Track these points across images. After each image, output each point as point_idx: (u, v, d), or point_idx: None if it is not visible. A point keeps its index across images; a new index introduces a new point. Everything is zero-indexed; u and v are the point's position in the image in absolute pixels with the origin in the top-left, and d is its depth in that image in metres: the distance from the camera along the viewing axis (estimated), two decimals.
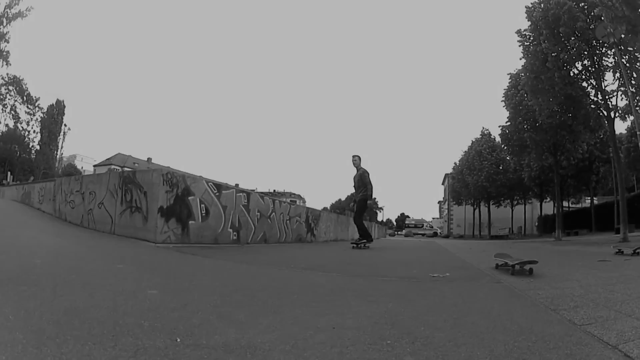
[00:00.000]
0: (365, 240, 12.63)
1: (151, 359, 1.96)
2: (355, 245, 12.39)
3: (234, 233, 10.23)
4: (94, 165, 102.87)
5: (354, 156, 13.13)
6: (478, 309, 3.60)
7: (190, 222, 8.63)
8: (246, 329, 2.56)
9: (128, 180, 9.14)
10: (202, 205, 9.00)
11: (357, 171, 13.04)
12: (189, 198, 8.67)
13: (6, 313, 2.40)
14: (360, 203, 13.07)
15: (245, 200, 10.83)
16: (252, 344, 2.27)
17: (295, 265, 6.58)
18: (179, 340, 2.25)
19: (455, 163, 64.74)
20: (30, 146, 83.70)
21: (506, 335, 2.68)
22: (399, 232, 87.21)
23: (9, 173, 67.50)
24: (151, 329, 2.40)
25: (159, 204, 8.01)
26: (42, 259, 4.73)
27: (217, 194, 9.60)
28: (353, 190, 13.75)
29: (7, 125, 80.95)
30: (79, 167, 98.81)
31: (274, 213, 12.51)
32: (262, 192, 16.13)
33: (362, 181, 12.81)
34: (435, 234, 76.12)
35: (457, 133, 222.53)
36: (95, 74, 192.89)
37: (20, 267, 3.93)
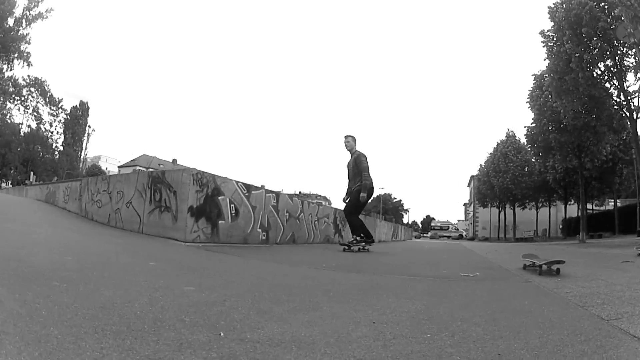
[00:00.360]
0: (363, 242, 10.47)
1: (196, 353, 1.94)
2: (347, 247, 10.22)
3: (263, 233, 10.29)
4: (119, 166, 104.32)
5: (346, 137, 10.76)
6: (510, 305, 3.68)
7: (220, 221, 8.72)
8: (288, 324, 2.58)
9: (157, 180, 9.24)
10: (232, 205, 9.09)
11: (352, 155, 10.65)
12: (219, 198, 8.77)
13: (38, 308, 2.35)
14: (356, 195, 10.30)
15: (275, 201, 10.90)
16: (296, 338, 2.30)
17: (327, 264, 6.64)
18: (222, 334, 2.25)
19: (480, 165, 63.96)
20: (53, 147, 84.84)
21: (539, 329, 2.75)
22: (425, 235, 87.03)
23: (31, 173, 68.41)
24: (192, 324, 2.40)
25: (189, 204, 8.10)
26: (73, 256, 4.65)
27: (246, 194, 9.69)
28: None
29: (29, 126, 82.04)
30: (103, 167, 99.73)
31: (302, 214, 12.51)
32: (287, 194, 16.11)
33: (358, 167, 10.35)
34: (460, 237, 75.91)
35: (482, 135, 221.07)
36: (120, 75, 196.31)
37: (50, 263, 3.87)
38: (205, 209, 8.42)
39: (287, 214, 11.50)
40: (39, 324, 2.07)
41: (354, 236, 10.51)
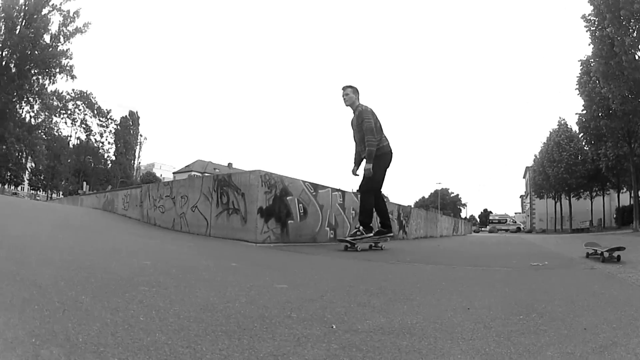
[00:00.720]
0: (379, 236, 8.38)
1: (317, 345, 1.96)
2: (349, 245, 7.83)
3: (331, 231, 10.35)
4: (174, 173, 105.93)
5: (344, 88, 8.40)
6: (583, 289, 3.93)
7: (289, 221, 8.89)
8: (391, 314, 2.67)
9: (223, 183, 9.44)
10: (300, 205, 9.24)
11: (354, 112, 8.41)
12: (287, 198, 8.92)
13: (134, 314, 2.27)
14: (370, 153, 8.04)
15: (341, 199, 10.96)
16: (404, 326, 2.39)
17: (401, 259, 6.78)
18: (334, 327, 2.29)
19: (535, 155, 63.48)
20: (105, 157, 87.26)
21: (612, 307, 3.02)
22: (483, 229, 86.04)
23: (84, 183, 70.40)
24: (300, 319, 2.42)
25: (258, 205, 8.28)
26: (151, 260, 4.63)
27: (314, 193, 9.84)
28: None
29: (78, 138, 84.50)
30: (157, 174, 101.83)
31: None
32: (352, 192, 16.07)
33: (362, 126, 8.16)
34: (518, 229, 74.58)
35: (536, 124, 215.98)
36: (168, 83, 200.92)
37: (130, 269, 3.80)
38: (274, 209, 8.58)
39: (354, 212, 11.40)
40: (142, 331, 2.00)
41: (358, 227, 8.26)
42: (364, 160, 8.22)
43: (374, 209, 8.36)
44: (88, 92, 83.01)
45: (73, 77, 59.59)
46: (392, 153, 8.47)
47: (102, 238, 7.37)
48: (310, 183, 9.83)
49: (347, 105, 8.44)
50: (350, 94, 8.32)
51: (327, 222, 10.22)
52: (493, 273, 5.24)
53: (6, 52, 53.80)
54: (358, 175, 8.55)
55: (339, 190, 11.28)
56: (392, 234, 8.86)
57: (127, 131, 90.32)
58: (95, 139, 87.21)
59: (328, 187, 10.58)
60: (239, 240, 8.30)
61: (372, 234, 8.17)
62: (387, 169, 8.48)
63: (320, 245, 9.03)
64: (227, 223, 9.07)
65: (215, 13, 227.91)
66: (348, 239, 7.99)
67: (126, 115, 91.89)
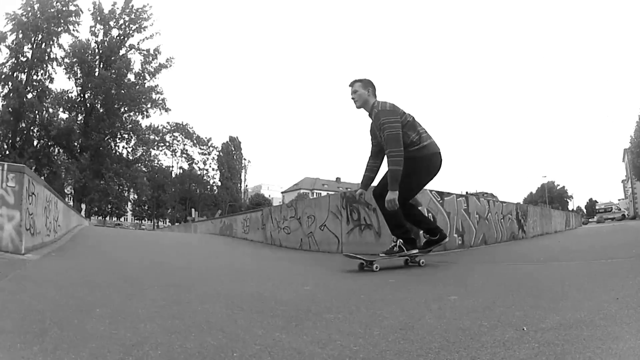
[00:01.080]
0: (425, 247, 6.42)
1: (522, 347, 2.15)
2: (364, 263, 6.05)
3: (459, 238, 10.22)
4: (282, 192, 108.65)
5: (352, 84, 6.08)
6: None
7: (420, 232, 8.80)
8: (561, 311, 2.86)
9: (352, 199, 9.80)
10: (430, 215, 9.16)
11: (370, 116, 6.09)
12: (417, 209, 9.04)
13: (344, 344, 2.35)
14: (394, 174, 5.59)
15: (465, 204, 11.00)
16: (577, 320, 2.59)
17: (535, 259, 7.05)
18: (525, 329, 2.46)
19: (630, 136, 59.29)
20: (211, 183, 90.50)
21: None
22: (591, 219, 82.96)
23: (192, 210, 73.42)
24: (492, 326, 2.57)
25: None
26: (309, 285, 4.84)
27: (440, 201, 9.78)
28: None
29: (181, 167, 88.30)
30: (266, 195, 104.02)
31: (489, 214, 12.34)
32: (473, 194, 16.22)
33: (383, 132, 5.73)
34: (623, 217, 70.88)
35: (630, 102, 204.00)
36: (265, 105, 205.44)
37: (297, 296, 3.99)
38: None
39: (477, 216, 11.32)
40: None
41: (395, 241, 6.20)
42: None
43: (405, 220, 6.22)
44: (184, 123, 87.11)
45: (167, 109, 62.76)
46: (440, 154, 6.07)
47: (241, 263, 7.94)
48: (436, 191, 9.73)
49: (358, 108, 6.12)
50: (360, 91, 6.00)
51: (454, 229, 10.08)
52: (621, 264, 5.41)
53: (89, 94, 57.66)
54: (361, 200, 7.69)
55: (462, 195, 11.43)
56: (446, 239, 6.62)
57: (230, 156, 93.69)
58: (198, 167, 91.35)
59: (453, 194, 10.66)
60: (374, 254, 8.21)
61: (416, 251, 6.24)
62: (432, 178, 6.21)
63: (451, 253, 9.02)
64: (360, 239, 9.43)
65: (303, 29, 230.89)
66: (362, 258, 6.13)
67: (227, 141, 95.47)
